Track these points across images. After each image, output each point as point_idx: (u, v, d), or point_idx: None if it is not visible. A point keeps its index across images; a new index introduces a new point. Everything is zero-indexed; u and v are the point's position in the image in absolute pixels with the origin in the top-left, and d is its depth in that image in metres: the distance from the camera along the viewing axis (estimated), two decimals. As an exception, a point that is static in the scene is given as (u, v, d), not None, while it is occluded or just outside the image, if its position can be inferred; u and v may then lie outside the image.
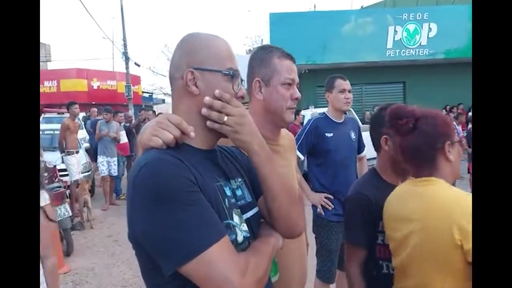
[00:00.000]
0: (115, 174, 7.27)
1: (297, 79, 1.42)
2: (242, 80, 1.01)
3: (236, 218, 0.93)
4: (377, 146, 1.58)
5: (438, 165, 1.26)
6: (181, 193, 0.80)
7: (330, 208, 2.60)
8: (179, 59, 0.98)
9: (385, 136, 1.51)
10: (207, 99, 0.92)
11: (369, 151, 3.15)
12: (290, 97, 1.38)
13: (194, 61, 0.96)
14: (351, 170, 2.70)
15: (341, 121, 2.70)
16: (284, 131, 1.54)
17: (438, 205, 1.18)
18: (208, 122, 0.94)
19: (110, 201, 7.12)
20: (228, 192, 0.96)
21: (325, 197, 2.62)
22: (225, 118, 0.93)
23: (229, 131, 0.94)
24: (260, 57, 1.42)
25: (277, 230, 1.02)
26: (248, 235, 0.95)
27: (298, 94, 1.40)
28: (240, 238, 0.91)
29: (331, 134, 2.60)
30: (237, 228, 0.92)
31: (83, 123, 10.24)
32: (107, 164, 7.08)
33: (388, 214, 1.38)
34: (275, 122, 1.42)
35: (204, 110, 0.93)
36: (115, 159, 7.21)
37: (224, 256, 0.79)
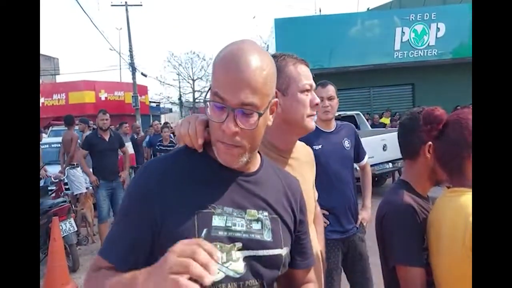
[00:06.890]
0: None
1: (314, 84, 1.34)
2: None
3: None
4: (412, 153, 1.39)
5: (467, 174, 1.17)
6: (129, 201, 0.88)
7: (325, 225, 2.36)
8: None
9: (430, 142, 1.33)
10: None
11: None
12: (310, 104, 1.30)
13: None
14: (347, 182, 2.47)
15: (331, 130, 2.49)
16: (300, 144, 1.42)
17: (459, 218, 1.10)
18: None
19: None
20: (218, 222, 0.84)
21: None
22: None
23: None
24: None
25: None
26: (237, 276, 0.83)
27: (317, 99, 1.32)
28: (217, 277, 0.79)
29: (320, 146, 2.38)
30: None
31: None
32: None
33: (432, 228, 1.26)
34: (295, 132, 1.31)
35: None
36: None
37: (96, 276, 0.83)
